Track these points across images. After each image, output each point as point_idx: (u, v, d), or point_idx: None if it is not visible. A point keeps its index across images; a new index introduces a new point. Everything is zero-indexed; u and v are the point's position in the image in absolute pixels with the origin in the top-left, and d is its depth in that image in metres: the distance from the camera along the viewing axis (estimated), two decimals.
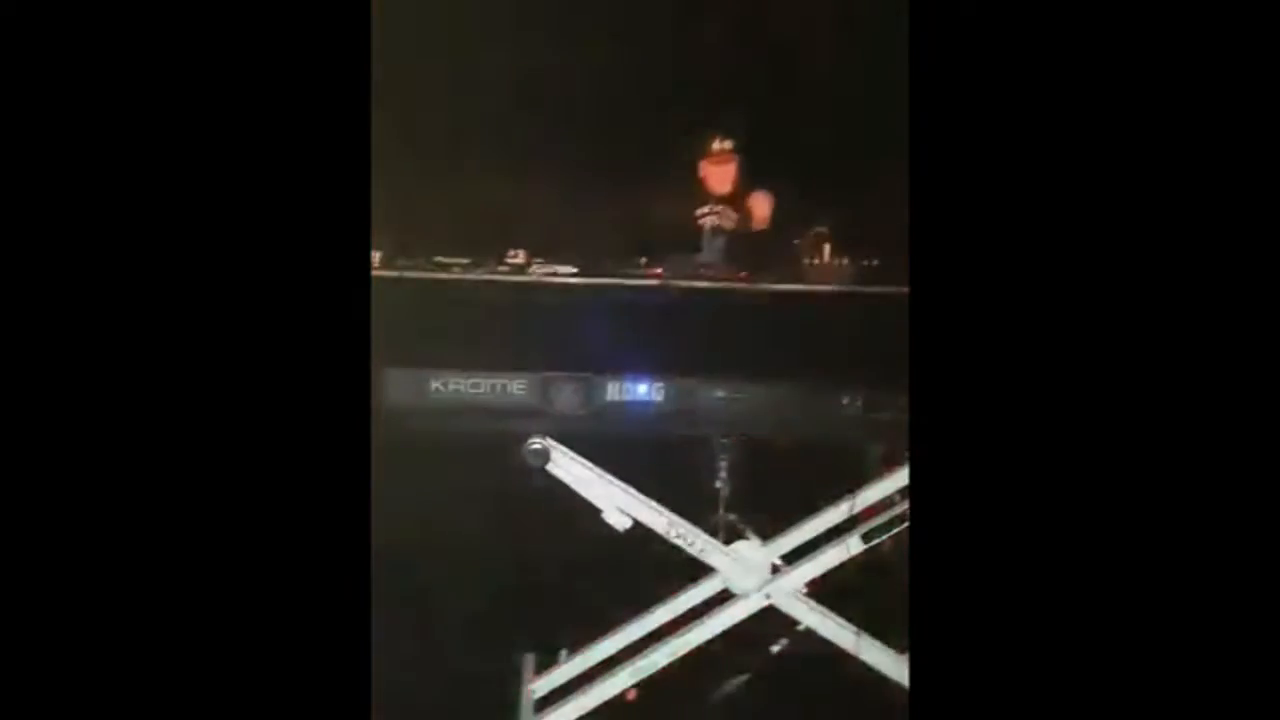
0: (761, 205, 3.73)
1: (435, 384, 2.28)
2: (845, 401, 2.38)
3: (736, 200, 3.77)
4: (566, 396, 2.32)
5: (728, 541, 2.57)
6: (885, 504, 2.59)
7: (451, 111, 4.00)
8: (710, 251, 3.71)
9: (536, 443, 2.39)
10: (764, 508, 2.74)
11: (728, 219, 3.76)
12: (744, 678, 2.90)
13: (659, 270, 2.72)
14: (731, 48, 4.31)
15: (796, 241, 2.63)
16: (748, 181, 3.81)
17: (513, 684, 2.72)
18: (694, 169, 3.83)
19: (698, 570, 2.64)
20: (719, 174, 3.78)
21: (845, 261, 2.59)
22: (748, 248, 3.65)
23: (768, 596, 2.51)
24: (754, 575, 2.53)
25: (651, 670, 2.49)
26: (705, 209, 3.77)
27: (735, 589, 2.55)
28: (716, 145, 3.78)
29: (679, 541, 2.51)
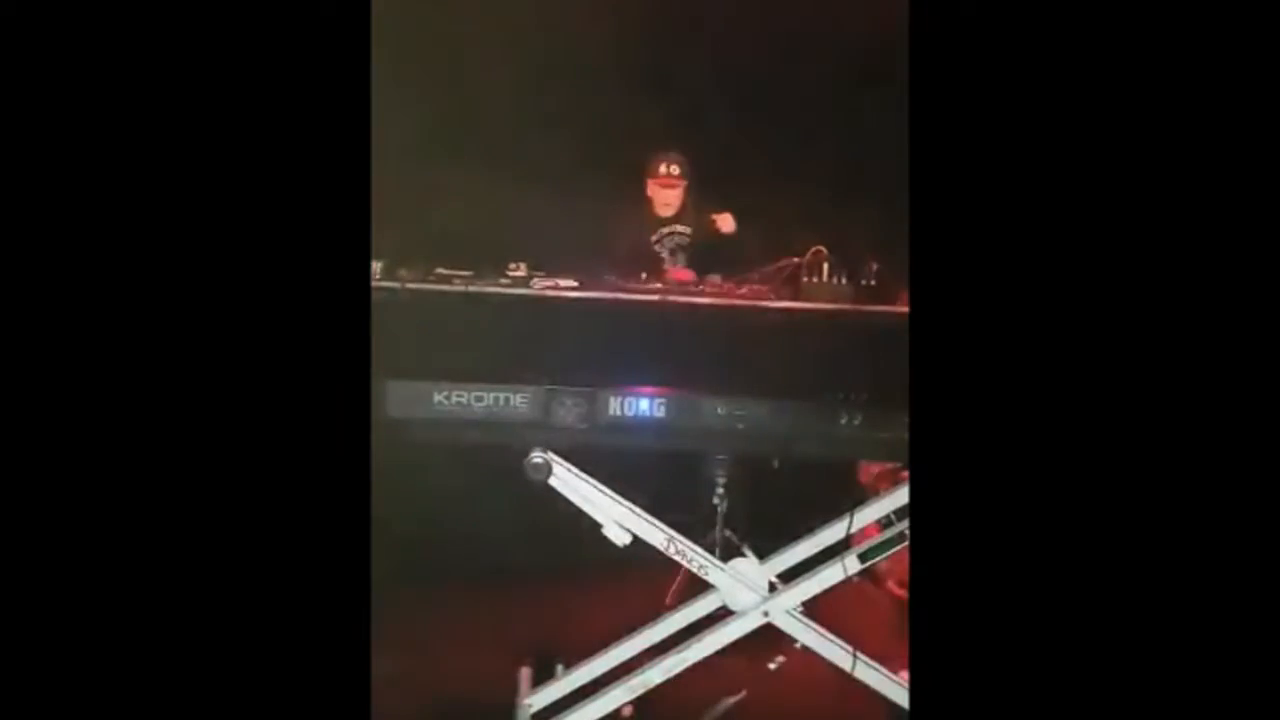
0: (727, 223, 3.82)
1: (438, 396, 2.28)
2: (844, 420, 2.38)
3: (684, 220, 3.86)
4: (568, 410, 2.32)
5: (726, 558, 2.57)
6: (883, 524, 2.60)
7: (454, 125, 4.02)
8: (674, 269, 3.79)
9: (538, 456, 2.39)
10: (762, 525, 2.74)
11: (683, 236, 3.86)
12: (740, 695, 2.90)
13: (660, 285, 2.73)
14: (733, 61, 4.35)
15: (797, 260, 2.64)
16: (705, 203, 3.89)
17: (509, 697, 2.71)
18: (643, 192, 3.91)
19: (696, 587, 2.64)
20: (665, 196, 3.88)
21: (844, 280, 2.60)
22: (712, 257, 3.70)
23: (765, 614, 2.51)
24: (752, 593, 2.53)
25: (648, 686, 2.49)
26: (660, 233, 3.87)
27: (733, 606, 2.55)
28: (664, 169, 3.85)
29: (678, 558, 2.51)
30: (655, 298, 2.59)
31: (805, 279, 2.61)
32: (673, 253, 3.89)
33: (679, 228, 3.93)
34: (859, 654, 2.50)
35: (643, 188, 3.94)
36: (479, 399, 2.29)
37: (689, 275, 3.42)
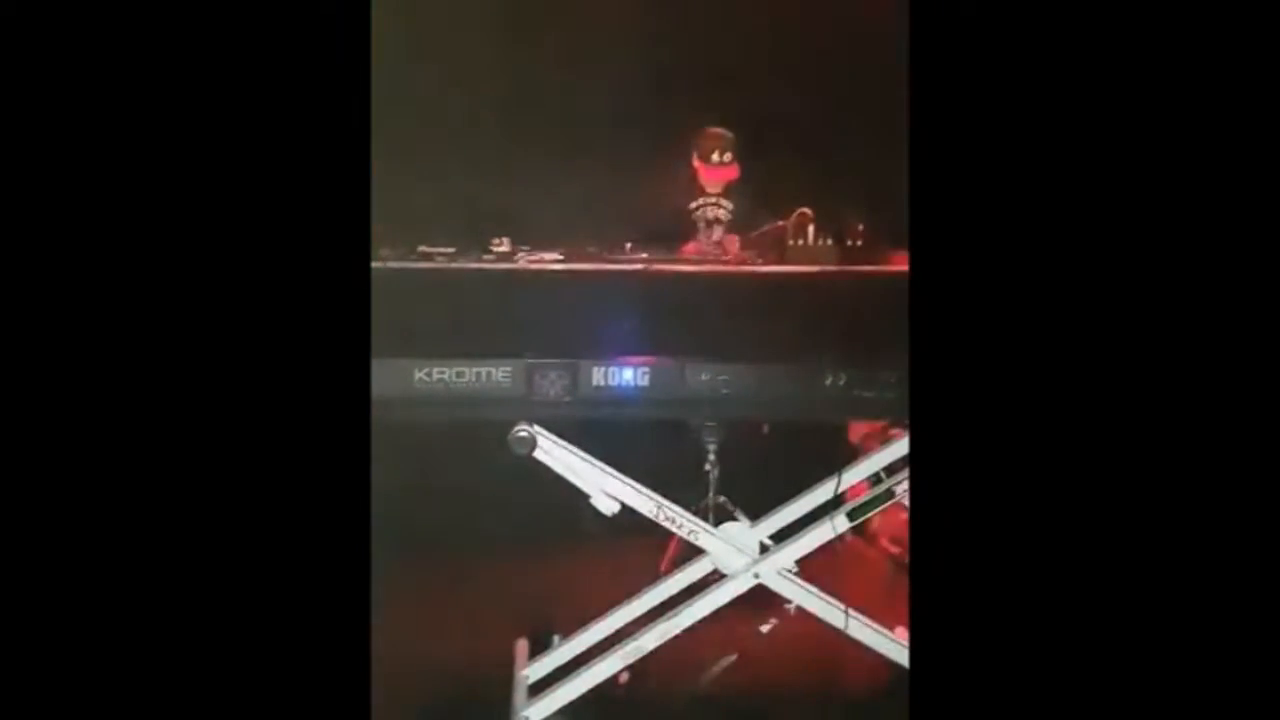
0: (732, 244, 3.82)
1: (419, 374, 2.28)
2: (829, 381, 2.38)
3: (728, 196, 3.86)
4: (551, 383, 2.33)
5: (717, 523, 2.59)
6: (870, 482, 2.61)
7: (436, 102, 4.01)
8: (708, 241, 3.79)
9: (522, 430, 2.39)
10: (752, 488, 2.76)
11: (724, 210, 3.84)
12: (732, 658, 2.92)
13: (644, 255, 2.73)
14: (720, 34, 4.32)
15: (781, 223, 2.65)
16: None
17: (507, 669, 2.74)
18: (687, 161, 3.89)
19: (690, 553, 2.66)
20: (715, 180, 3.87)
21: (829, 242, 2.60)
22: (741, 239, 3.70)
23: (756, 576, 2.52)
24: (743, 555, 2.55)
25: (642, 653, 2.51)
26: (699, 201, 3.86)
27: (724, 570, 2.56)
28: (716, 157, 3.86)
29: (667, 524, 2.52)
30: (638, 267, 2.60)
31: (790, 242, 2.62)
32: (709, 224, 3.88)
33: (721, 200, 3.91)
34: (851, 611, 2.52)
35: (687, 160, 3.93)
36: (460, 375, 2.29)
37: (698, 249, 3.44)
